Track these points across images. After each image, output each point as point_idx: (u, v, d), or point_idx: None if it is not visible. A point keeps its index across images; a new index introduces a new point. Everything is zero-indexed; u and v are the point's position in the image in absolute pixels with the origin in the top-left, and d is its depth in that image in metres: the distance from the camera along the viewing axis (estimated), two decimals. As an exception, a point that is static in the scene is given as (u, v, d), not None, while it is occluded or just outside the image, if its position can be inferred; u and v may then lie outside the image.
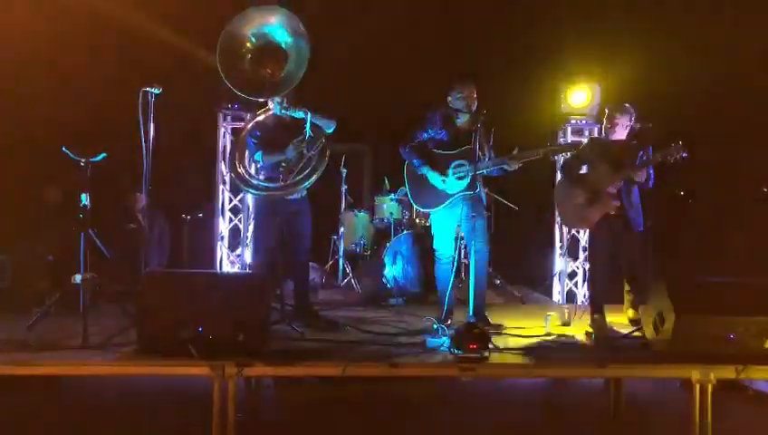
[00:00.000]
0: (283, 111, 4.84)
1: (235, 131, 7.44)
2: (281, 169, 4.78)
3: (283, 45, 4.55)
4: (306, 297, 5.18)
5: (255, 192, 4.99)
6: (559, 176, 6.71)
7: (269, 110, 4.96)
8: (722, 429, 3.75)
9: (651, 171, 4.84)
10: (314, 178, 4.80)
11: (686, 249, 7.61)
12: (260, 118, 5.03)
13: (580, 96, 7.00)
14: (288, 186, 4.77)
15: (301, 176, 4.76)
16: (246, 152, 5.03)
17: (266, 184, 4.89)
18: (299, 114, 4.75)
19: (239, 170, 4.98)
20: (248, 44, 4.58)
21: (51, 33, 6.50)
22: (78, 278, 4.02)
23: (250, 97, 4.73)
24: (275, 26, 4.53)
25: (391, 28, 7.52)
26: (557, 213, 7.16)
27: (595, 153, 5.05)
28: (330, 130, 4.90)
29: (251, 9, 4.56)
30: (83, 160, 4.16)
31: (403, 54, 7.71)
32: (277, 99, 4.79)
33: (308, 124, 4.68)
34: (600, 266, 5.09)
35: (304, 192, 4.97)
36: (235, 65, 4.55)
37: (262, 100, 4.91)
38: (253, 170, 5.14)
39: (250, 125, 5.07)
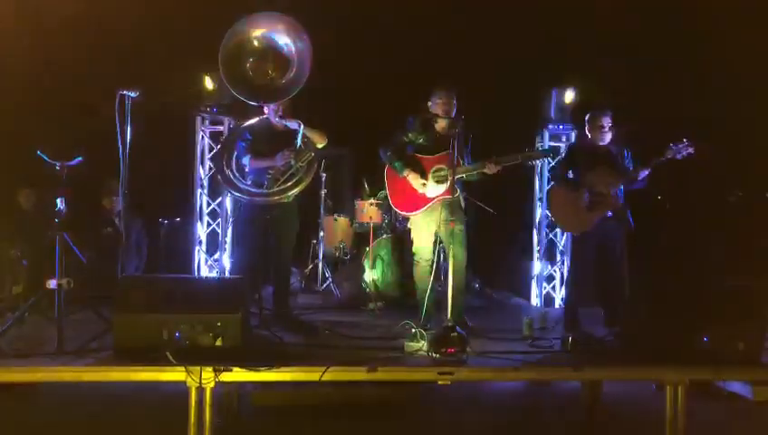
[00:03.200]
0: (277, 120, 4.86)
1: (213, 135, 7.41)
2: (267, 175, 4.81)
3: (286, 52, 4.56)
4: (286, 301, 5.18)
5: (239, 195, 4.98)
6: (548, 183, 6.79)
7: (263, 115, 4.97)
8: (695, 430, 3.81)
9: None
10: (299, 189, 4.83)
11: (663, 253, 7.70)
12: (252, 122, 5.03)
13: (557, 101, 7.06)
14: (272, 193, 4.80)
15: (286, 185, 4.79)
16: (234, 155, 5.02)
17: (251, 188, 4.89)
18: (293, 125, 4.77)
19: (226, 172, 4.96)
20: (251, 47, 4.58)
21: (27, 34, 6.43)
22: (53, 283, 3.97)
23: (248, 101, 4.71)
24: (280, 33, 4.54)
25: (372, 32, 7.54)
26: (538, 218, 7.24)
27: (585, 158, 5.12)
28: (321, 146, 4.93)
29: (258, 14, 4.57)
30: (59, 164, 4.11)
31: (383, 58, 7.72)
32: (273, 106, 4.81)
33: (299, 136, 4.72)
34: (585, 269, 5.16)
35: (293, 199, 4.97)
36: (236, 67, 4.56)
37: (258, 105, 4.90)
38: (238, 173, 5.10)
39: (241, 128, 5.06)
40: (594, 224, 5.01)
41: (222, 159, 5.06)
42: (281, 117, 4.87)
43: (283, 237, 5.03)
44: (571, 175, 5.24)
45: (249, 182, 4.95)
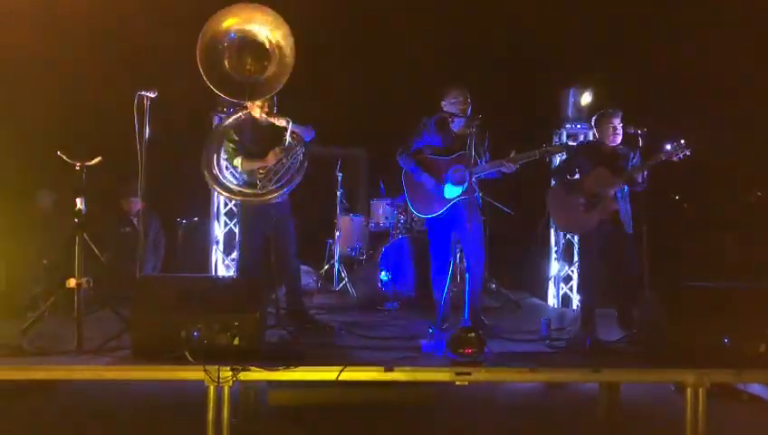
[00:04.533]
0: (263, 117, 4.78)
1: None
2: (259, 175, 4.75)
3: (266, 45, 4.44)
4: (300, 301, 5.17)
5: (229, 195, 4.91)
6: (551, 181, 6.74)
7: (246, 111, 4.86)
8: (715, 432, 3.76)
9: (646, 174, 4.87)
10: (291, 186, 4.77)
11: (681, 253, 7.63)
12: (235, 120, 4.91)
13: (574, 100, 7.03)
14: (264, 193, 4.74)
15: (279, 184, 4.74)
16: (223, 155, 4.95)
17: (242, 189, 4.82)
18: (280, 122, 4.70)
19: (214, 172, 4.85)
20: (228, 40, 4.41)
21: (46, 35, 6.49)
22: (72, 282, 4.00)
23: (229, 98, 4.62)
24: (260, 25, 4.39)
25: (387, 33, 7.54)
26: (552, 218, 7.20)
27: (589, 158, 5.08)
28: (308, 139, 4.86)
29: (236, 5, 4.41)
30: (78, 164, 4.14)
31: (398, 59, 7.72)
32: (258, 103, 4.74)
33: (288, 133, 4.66)
34: (593, 270, 5.11)
35: (286, 196, 4.93)
36: (213, 63, 4.41)
37: (241, 102, 4.81)
38: (228, 174, 5.03)
39: (226, 125, 4.95)
40: (593, 226, 4.95)
41: (210, 157, 4.89)
42: (266, 114, 4.78)
43: (285, 238, 5.00)
44: (577, 175, 5.20)
45: (242, 183, 4.89)
